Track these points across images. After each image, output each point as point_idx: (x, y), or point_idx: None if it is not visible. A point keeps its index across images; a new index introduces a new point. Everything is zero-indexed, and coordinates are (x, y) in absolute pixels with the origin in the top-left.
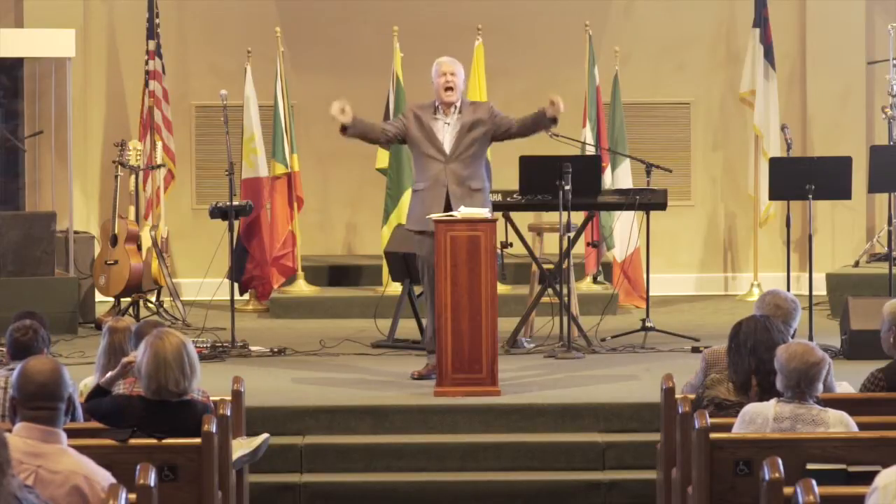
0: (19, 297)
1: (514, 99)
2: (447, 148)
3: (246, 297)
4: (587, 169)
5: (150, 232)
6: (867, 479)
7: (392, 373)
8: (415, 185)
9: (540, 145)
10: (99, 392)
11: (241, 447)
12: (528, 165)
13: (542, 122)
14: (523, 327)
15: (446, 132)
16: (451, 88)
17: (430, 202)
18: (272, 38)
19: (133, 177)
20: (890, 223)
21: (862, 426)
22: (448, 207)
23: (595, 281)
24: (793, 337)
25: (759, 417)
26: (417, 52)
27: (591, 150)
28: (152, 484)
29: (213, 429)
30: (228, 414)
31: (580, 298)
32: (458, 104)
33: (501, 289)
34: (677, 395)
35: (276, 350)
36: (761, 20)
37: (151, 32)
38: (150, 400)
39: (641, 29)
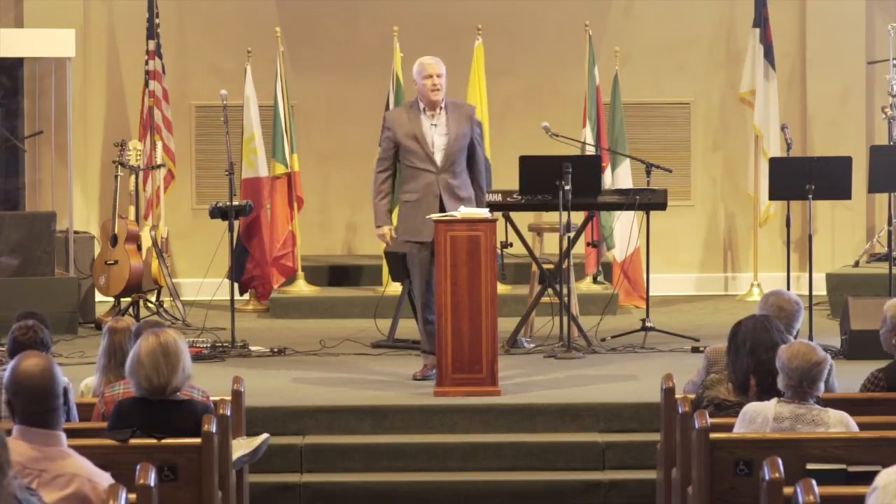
0: (19, 297)
1: (515, 99)
2: (438, 158)
3: (246, 297)
4: (587, 169)
5: (150, 232)
6: (867, 479)
7: (392, 373)
8: (404, 195)
9: (540, 145)
10: None
11: (241, 447)
12: (528, 165)
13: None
14: (523, 327)
15: (434, 133)
16: (437, 89)
17: (426, 211)
18: (272, 38)
19: (133, 177)
20: (890, 223)
21: (862, 426)
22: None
23: (595, 281)
24: (795, 338)
25: (760, 417)
26: (417, 52)
27: (591, 150)
28: (152, 484)
29: (213, 429)
30: (228, 414)
31: (580, 298)
32: (443, 104)
33: (501, 289)
34: (677, 395)
35: (276, 350)
36: (761, 20)
37: (151, 32)
38: (144, 400)
39: (641, 29)
